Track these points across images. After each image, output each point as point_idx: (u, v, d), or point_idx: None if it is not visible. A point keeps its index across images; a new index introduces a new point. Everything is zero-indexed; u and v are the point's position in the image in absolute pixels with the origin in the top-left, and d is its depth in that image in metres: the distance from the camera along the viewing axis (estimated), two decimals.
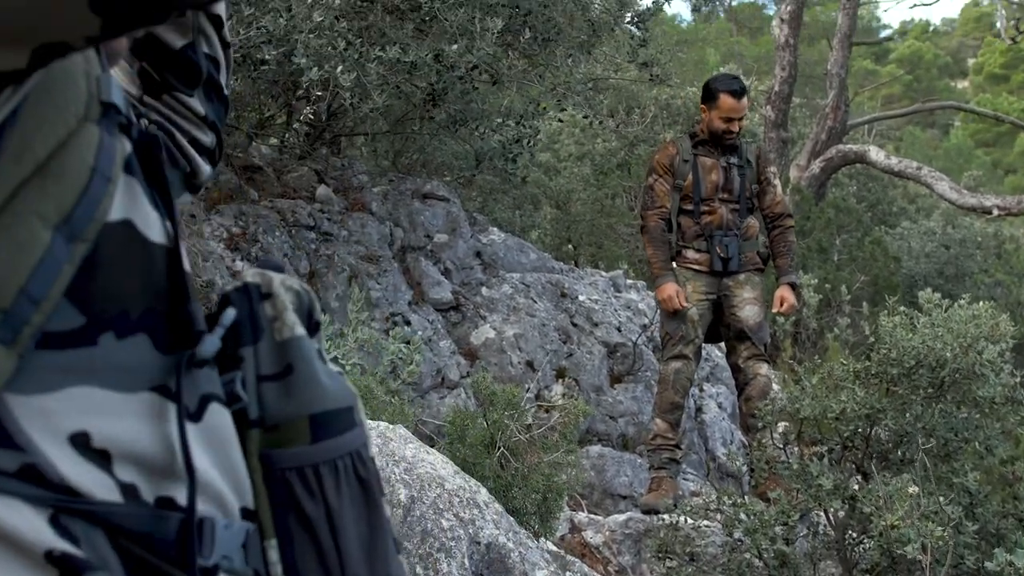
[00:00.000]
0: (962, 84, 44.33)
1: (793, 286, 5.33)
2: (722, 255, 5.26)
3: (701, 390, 7.27)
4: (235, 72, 6.27)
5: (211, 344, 0.84)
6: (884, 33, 38.63)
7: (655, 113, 12.23)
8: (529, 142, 6.91)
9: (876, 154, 14.46)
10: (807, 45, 23.13)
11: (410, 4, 6.11)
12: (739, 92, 5.22)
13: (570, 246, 11.80)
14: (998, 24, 16.60)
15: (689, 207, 5.32)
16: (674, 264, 5.32)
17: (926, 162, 19.23)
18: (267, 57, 5.67)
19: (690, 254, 5.32)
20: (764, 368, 5.21)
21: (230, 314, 0.89)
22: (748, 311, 5.25)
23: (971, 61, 45.83)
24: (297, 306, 0.96)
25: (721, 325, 5.38)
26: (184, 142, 1.23)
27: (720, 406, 7.21)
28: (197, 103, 1.22)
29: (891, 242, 14.44)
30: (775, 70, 14.73)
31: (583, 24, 6.80)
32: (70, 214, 0.73)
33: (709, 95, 5.29)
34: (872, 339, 4.32)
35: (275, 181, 7.53)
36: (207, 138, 1.25)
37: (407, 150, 8.66)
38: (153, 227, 0.82)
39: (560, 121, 8.52)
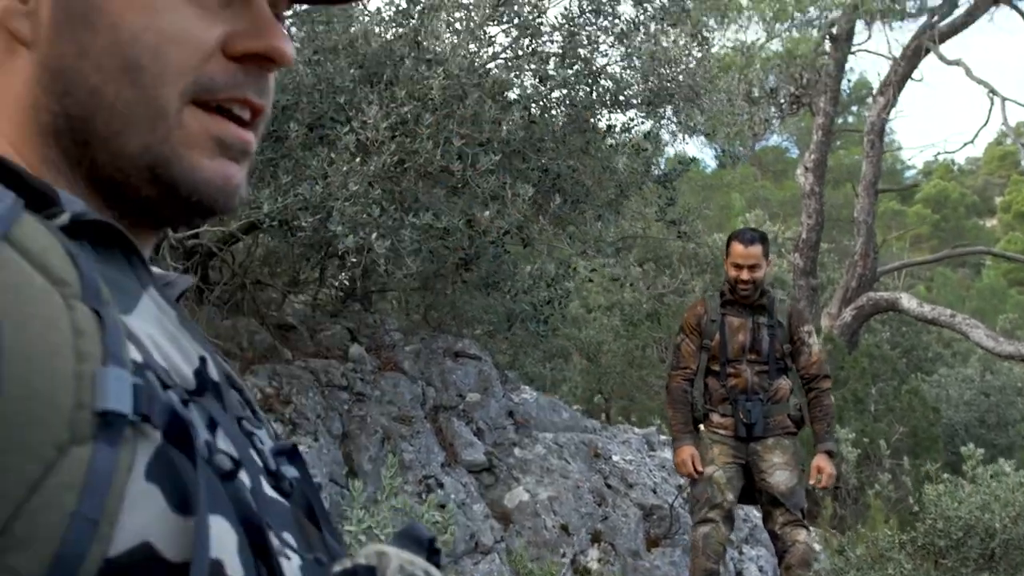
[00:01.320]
0: (991, 222, 44.42)
1: (830, 454, 5.21)
2: (745, 421, 5.18)
3: (740, 552, 7.10)
4: (272, 235, 6.39)
5: None
6: (909, 174, 38.96)
7: (680, 264, 12.31)
8: (560, 303, 6.95)
9: (908, 302, 14.41)
10: (832, 188, 23.37)
11: (442, 168, 6.23)
12: (748, 239, 5.25)
13: (600, 398, 11.74)
14: (1023, 163, 16.73)
15: (716, 368, 5.27)
16: (701, 427, 5.27)
17: (959, 304, 19.18)
18: (304, 224, 5.76)
19: (716, 418, 5.26)
20: (802, 534, 5.07)
21: None
22: (779, 477, 5.14)
23: (998, 199, 46.03)
24: None
25: (754, 490, 5.28)
26: None
27: (761, 569, 7.03)
28: None
29: (928, 390, 14.26)
30: (802, 218, 14.85)
31: (610, 185, 6.91)
32: None
33: (726, 246, 5.41)
34: (916, 505, 4.22)
35: (308, 339, 7.58)
36: None
37: (438, 304, 8.73)
38: (177, 543, 0.63)
39: (590, 280, 8.58)
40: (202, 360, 0.70)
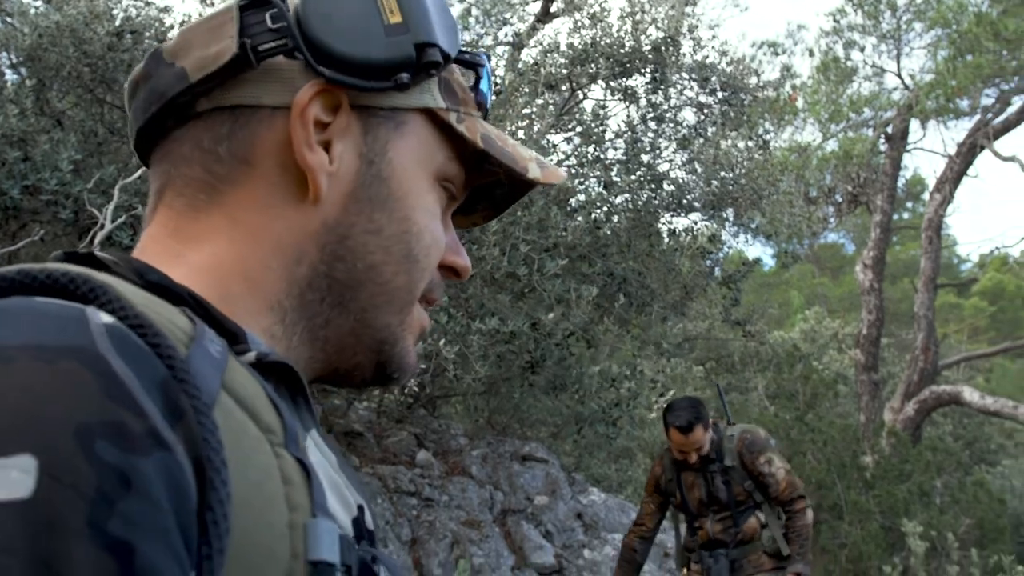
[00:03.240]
0: None
1: None
2: None
3: None
4: None
5: None
6: (965, 267, 38.68)
7: (742, 363, 12.28)
8: (628, 405, 6.96)
9: (970, 395, 14.25)
10: (889, 283, 23.22)
11: (508, 274, 6.33)
12: (686, 426, 4.78)
13: None
14: None
15: (686, 521, 5.18)
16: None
17: (1018, 394, 18.87)
18: None
19: (695, 567, 5.19)
20: None
21: None
22: None
23: None
24: None
25: None
26: None
27: None
28: None
29: (993, 481, 14.04)
30: (862, 314, 14.80)
31: (675, 286, 6.98)
32: None
33: (664, 421, 4.96)
34: None
35: (375, 446, 7.64)
36: None
37: (503, 407, 8.77)
38: None
39: (655, 382, 8.52)
40: (360, 509, 0.70)
